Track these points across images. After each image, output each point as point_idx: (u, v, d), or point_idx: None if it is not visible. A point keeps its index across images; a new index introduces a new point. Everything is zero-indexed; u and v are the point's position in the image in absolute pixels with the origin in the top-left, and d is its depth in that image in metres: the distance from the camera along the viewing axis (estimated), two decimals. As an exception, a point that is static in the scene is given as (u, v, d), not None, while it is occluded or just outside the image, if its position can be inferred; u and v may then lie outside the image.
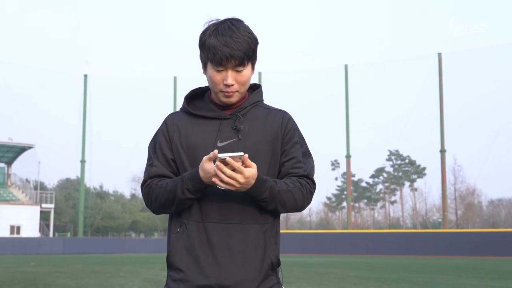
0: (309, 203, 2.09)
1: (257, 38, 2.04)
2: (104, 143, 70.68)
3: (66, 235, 60.09)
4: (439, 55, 45.71)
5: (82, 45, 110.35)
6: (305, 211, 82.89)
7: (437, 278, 13.73)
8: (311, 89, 68.03)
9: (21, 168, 74.14)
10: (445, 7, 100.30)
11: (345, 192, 69.81)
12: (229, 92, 2.02)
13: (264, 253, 2.00)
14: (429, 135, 67.47)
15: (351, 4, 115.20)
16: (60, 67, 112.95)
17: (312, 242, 40.29)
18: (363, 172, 79.18)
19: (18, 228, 48.11)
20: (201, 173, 1.91)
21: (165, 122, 2.14)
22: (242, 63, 1.98)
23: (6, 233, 46.36)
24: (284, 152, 2.08)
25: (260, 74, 49.62)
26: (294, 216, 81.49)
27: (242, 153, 1.85)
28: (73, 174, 72.32)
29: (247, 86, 2.08)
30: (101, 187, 77.12)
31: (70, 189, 72.35)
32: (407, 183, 77.41)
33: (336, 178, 79.37)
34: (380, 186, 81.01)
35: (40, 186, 56.19)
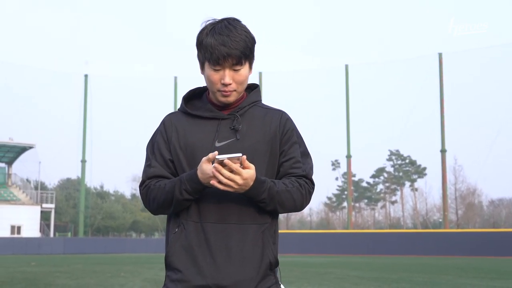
0: (308, 203, 2.09)
1: (254, 37, 2.04)
2: (104, 143, 70.74)
3: (67, 235, 60.08)
4: (440, 55, 45.70)
5: (82, 45, 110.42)
6: (306, 211, 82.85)
7: (437, 278, 13.72)
8: (311, 89, 68.05)
9: (21, 168, 74.17)
10: (445, 7, 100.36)
11: (346, 192, 69.80)
12: (226, 92, 2.01)
13: (262, 253, 2.00)
14: (429, 135, 67.56)
15: (351, 4, 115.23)
16: (60, 67, 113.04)
17: (312, 242, 40.29)
18: (363, 172, 79.25)
19: (19, 228, 48.12)
20: (199, 174, 1.91)
21: (163, 123, 2.14)
22: (239, 62, 1.98)
23: (6, 233, 46.37)
24: (283, 153, 2.08)
25: (260, 74, 49.63)
26: (294, 216, 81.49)
27: (240, 154, 1.85)
28: (74, 174, 72.34)
29: (245, 86, 2.07)
30: (101, 187, 77.16)
31: (70, 189, 72.37)
32: (407, 183, 77.40)
33: (336, 178, 79.40)
34: (380, 186, 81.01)
35: (40, 186, 56.20)
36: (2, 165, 54.79)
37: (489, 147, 61.42)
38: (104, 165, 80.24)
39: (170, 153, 2.07)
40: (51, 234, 52.36)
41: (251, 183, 1.90)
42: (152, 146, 2.12)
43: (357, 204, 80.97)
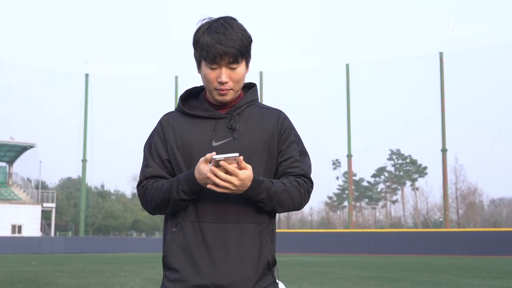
0: (307, 202, 2.10)
1: (250, 36, 2.04)
2: (105, 143, 70.72)
3: (67, 234, 60.09)
4: (441, 54, 45.68)
5: (83, 44, 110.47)
6: (306, 210, 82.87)
7: (438, 278, 13.72)
8: (312, 89, 68.03)
9: (22, 167, 74.28)
10: (445, 7, 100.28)
11: (346, 192, 69.84)
12: (223, 90, 2.01)
13: (260, 253, 2.00)
14: (430, 135, 67.44)
15: (351, 4, 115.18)
16: (60, 66, 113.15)
17: (313, 241, 40.29)
18: (364, 172, 79.24)
19: (20, 227, 48.14)
20: (196, 174, 1.91)
21: (160, 123, 2.13)
22: (236, 60, 1.98)
23: (7, 232, 46.39)
24: (281, 152, 2.08)
25: (261, 73, 49.63)
26: (295, 215, 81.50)
27: (237, 154, 1.85)
28: (75, 173, 72.36)
29: (242, 84, 2.07)
30: (102, 186, 77.21)
31: (71, 188, 72.41)
32: (408, 183, 77.40)
33: (337, 178, 79.44)
34: (381, 186, 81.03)
35: (41, 185, 56.22)
36: (3, 164, 54.81)
37: (490, 147, 61.53)
38: (104, 165, 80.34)
39: (167, 153, 2.07)
40: (52, 234, 52.37)
41: (249, 183, 1.90)
42: (149, 146, 2.12)
43: (357, 204, 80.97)
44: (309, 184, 2.09)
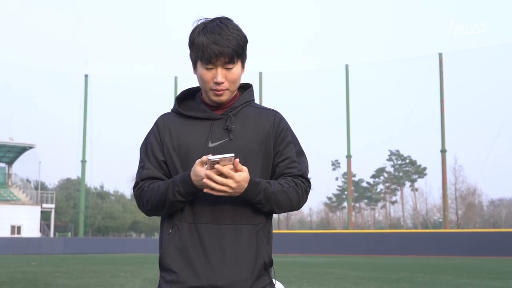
0: (305, 202, 2.10)
1: (246, 36, 2.03)
2: (104, 143, 70.79)
3: (67, 235, 60.12)
4: (440, 55, 45.68)
5: (82, 45, 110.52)
6: (306, 211, 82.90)
7: (437, 278, 13.72)
8: (312, 89, 68.11)
9: (21, 168, 74.33)
10: (445, 7, 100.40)
11: (346, 192, 69.82)
12: (219, 90, 2.01)
13: (256, 254, 1.99)
14: (429, 135, 67.55)
15: (351, 4, 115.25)
16: (60, 67, 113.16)
17: (312, 242, 40.27)
18: (363, 172, 79.32)
19: (19, 228, 48.13)
20: (192, 176, 1.91)
21: (156, 124, 2.13)
22: (231, 60, 1.97)
23: (6, 233, 46.38)
24: (278, 153, 2.07)
25: (260, 74, 49.64)
26: (294, 216, 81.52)
27: (232, 155, 1.85)
28: (74, 174, 72.42)
29: (238, 84, 2.07)
30: (101, 187, 77.27)
31: (70, 189, 72.44)
32: (407, 183, 77.43)
33: (336, 178, 79.44)
34: (380, 186, 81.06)
35: (40, 186, 56.21)
36: (2, 165, 54.81)
37: (489, 147, 61.53)
38: (104, 165, 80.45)
39: (163, 154, 2.07)
40: (51, 234, 52.37)
41: (245, 185, 1.90)
42: (146, 148, 2.12)
43: (357, 204, 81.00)
44: (307, 184, 2.08)
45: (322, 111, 70.08)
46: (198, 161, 1.89)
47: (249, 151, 2.01)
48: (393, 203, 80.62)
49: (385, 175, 79.05)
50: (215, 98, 2.03)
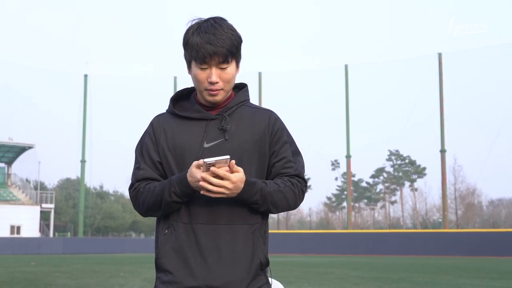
0: (301, 202, 2.10)
1: (240, 36, 2.03)
2: (104, 143, 70.80)
3: (66, 235, 60.12)
4: (439, 55, 45.68)
5: (82, 45, 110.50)
6: (305, 211, 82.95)
7: (437, 278, 13.72)
8: (311, 89, 68.09)
9: (21, 168, 74.32)
10: (445, 7, 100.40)
11: (345, 192, 69.79)
12: (213, 90, 2.01)
13: (253, 254, 1.99)
14: (429, 135, 67.59)
15: (351, 4, 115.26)
16: (60, 67, 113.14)
17: (312, 242, 40.26)
18: (363, 172, 79.29)
19: (18, 228, 48.12)
20: (189, 177, 1.91)
21: (151, 124, 2.13)
22: (226, 60, 1.97)
23: (6, 233, 46.37)
24: (274, 153, 2.07)
25: (260, 74, 49.61)
26: (294, 216, 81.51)
27: (228, 156, 1.85)
28: (73, 174, 72.41)
29: (232, 84, 2.07)
30: (101, 187, 77.24)
31: (70, 189, 72.41)
32: (407, 183, 77.43)
33: (336, 178, 79.43)
34: (380, 186, 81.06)
35: (40, 186, 56.19)
36: (2, 165, 54.81)
37: (489, 147, 61.36)
38: (103, 165, 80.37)
39: (158, 155, 2.07)
40: (51, 234, 52.36)
41: (242, 185, 1.90)
42: (141, 148, 2.12)
43: (356, 204, 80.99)
44: (303, 184, 2.08)
45: (322, 111, 70.18)
46: (194, 163, 1.89)
47: (244, 151, 2.01)
48: (392, 203, 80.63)
49: (385, 175, 79.06)
50: (210, 98, 2.03)
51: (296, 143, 2.16)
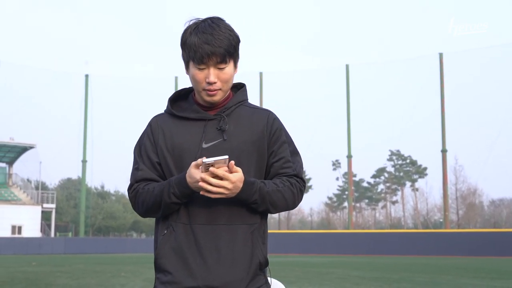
0: (300, 201, 2.10)
1: (238, 36, 2.03)
2: (105, 143, 70.74)
3: (68, 235, 60.11)
4: (441, 55, 45.67)
5: (82, 45, 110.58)
6: (306, 211, 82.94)
7: (438, 278, 13.72)
8: (312, 89, 68.00)
9: (22, 168, 74.12)
10: (445, 7, 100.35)
11: (346, 192, 69.83)
12: (212, 91, 2.01)
13: (252, 254, 2.00)
14: (430, 135, 67.41)
15: (351, 4, 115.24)
16: (61, 67, 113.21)
17: (313, 242, 40.27)
18: (364, 172, 79.25)
19: (20, 228, 48.13)
20: (188, 178, 1.91)
21: (150, 125, 2.13)
22: (223, 60, 1.98)
23: (7, 233, 46.39)
24: (273, 153, 2.08)
25: (261, 74, 49.60)
26: (295, 216, 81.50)
27: (227, 157, 1.85)
28: (75, 174, 72.38)
29: (230, 84, 2.07)
30: (102, 187, 77.27)
31: (71, 189, 72.44)
32: (408, 183, 77.40)
33: (337, 178, 79.39)
34: (381, 186, 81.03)
35: (41, 186, 56.23)
36: (3, 165, 54.83)
37: (490, 147, 61.53)
38: (104, 165, 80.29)
39: (157, 155, 2.07)
40: (52, 234, 52.37)
41: (241, 185, 1.90)
42: (139, 149, 2.11)
43: (357, 204, 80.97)
44: (302, 183, 2.09)
45: (323, 111, 70.03)
46: (193, 163, 1.89)
47: (242, 151, 2.02)
48: (393, 203, 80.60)
49: (386, 175, 79.02)
50: (208, 98, 2.03)
51: (295, 143, 2.17)
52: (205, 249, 1.96)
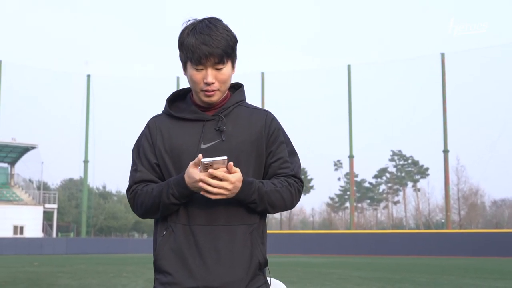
0: (298, 202, 2.11)
1: (235, 36, 2.03)
2: (107, 143, 70.76)
3: (69, 235, 60.13)
4: (442, 55, 45.66)
5: (83, 45, 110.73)
6: (308, 211, 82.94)
7: (440, 279, 13.71)
8: (313, 89, 68.00)
9: (24, 168, 74.20)
10: (445, 7, 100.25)
11: (348, 193, 69.75)
12: (209, 91, 2.00)
13: (251, 254, 2.00)
14: (432, 135, 67.26)
15: (351, 4, 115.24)
16: (61, 67, 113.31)
17: (315, 242, 40.26)
18: (366, 173, 79.20)
19: (21, 228, 48.18)
20: (186, 178, 1.91)
21: (148, 126, 2.12)
22: (221, 61, 1.97)
23: (9, 233, 46.44)
24: (271, 153, 2.08)
25: (263, 74, 49.60)
26: (297, 216, 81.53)
27: (225, 157, 1.85)
28: (76, 174, 72.50)
29: (228, 85, 2.06)
30: (104, 187, 77.35)
31: (73, 189, 72.53)
32: (410, 184, 77.36)
33: (339, 179, 79.37)
34: (383, 187, 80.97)
35: (43, 186, 56.29)
36: (5, 165, 54.89)
37: (492, 147, 61.38)
38: (106, 166, 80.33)
39: (155, 157, 2.06)
40: (54, 234, 52.41)
41: (240, 185, 1.90)
42: (138, 150, 2.11)
43: (359, 205, 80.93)
44: (300, 184, 2.09)
45: (324, 111, 70.05)
46: (191, 163, 1.89)
47: (241, 152, 2.02)
48: (395, 203, 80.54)
49: (388, 175, 78.97)
50: (206, 99, 2.03)
51: (293, 143, 2.17)
52: (204, 250, 1.95)
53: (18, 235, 46.44)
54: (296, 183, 2.07)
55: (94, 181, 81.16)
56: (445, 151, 44.85)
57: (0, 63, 48.88)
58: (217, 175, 1.85)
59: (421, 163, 75.49)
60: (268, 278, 2.12)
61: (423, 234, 41.33)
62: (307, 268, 18.55)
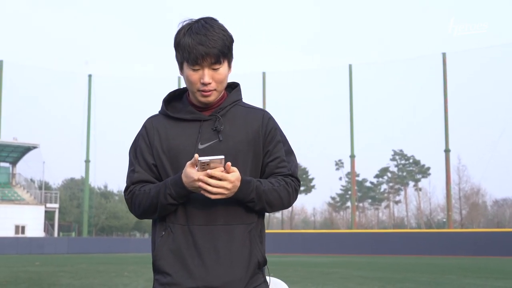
0: (295, 201, 2.11)
1: (232, 36, 2.03)
2: (108, 143, 70.93)
3: (71, 234, 60.16)
4: (444, 55, 45.63)
5: (83, 45, 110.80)
6: (309, 211, 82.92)
7: (441, 278, 13.70)
8: (314, 89, 67.92)
9: (25, 168, 74.32)
10: (445, 7, 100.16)
11: (349, 192, 69.70)
12: (206, 91, 2.01)
13: (250, 253, 2.00)
14: (433, 135, 67.12)
15: (352, 4, 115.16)
16: (62, 67, 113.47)
17: (316, 242, 40.26)
18: (367, 172, 79.10)
19: (23, 227, 48.22)
20: (183, 178, 1.91)
21: (145, 126, 2.13)
22: (218, 61, 1.97)
23: (11, 233, 46.47)
24: (268, 153, 2.08)
25: (264, 74, 49.59)
26: (298, 216, 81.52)
27: (222, 156, 1.85)
28: (78, 174, 72.56)
29: (225, 85, 2.07)
30: (105, 187, 77.44)
31: (74, 189, 72.60)
32: (411, 183, 77.33)
33: (340, 178, 79.28)
34: (384, 186, 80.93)
35: (44, 186, 56.32)
36: (6, 165, 54.91)
37: (493, 147, 61.34)
38: (108, 165, 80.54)
39: (153, 157, 2.07)
40: (55, 234, 52.44)
41: (238, 184, 1.91)
42: (135, 151, 2.12)
43: (360, 204, 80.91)
44: (297, 183, 2.10)
45: (325, 111, 69.97)
46: (188, 163, 1.89)
47: (238, 151, 2.02)
48: (396, 203, 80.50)
49: (389, 175, 78.92)
50: (203, 99, 2.03)
51: (289, 143, 2.17)
52: (203, 250, 1.96)
53: (20, 235, 46.47)
54: (293, 182, 2.08)
55: (96, 181, 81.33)
56: (447, 151, 44.82)
57: (1, 63, 48.97)
58: (216, 175, 1.85)
59: (422, 162, 75.48)
60: (268, 277, 2.13)
61: (424, 233, 41.31)
62: (308, 268, 18.55)
